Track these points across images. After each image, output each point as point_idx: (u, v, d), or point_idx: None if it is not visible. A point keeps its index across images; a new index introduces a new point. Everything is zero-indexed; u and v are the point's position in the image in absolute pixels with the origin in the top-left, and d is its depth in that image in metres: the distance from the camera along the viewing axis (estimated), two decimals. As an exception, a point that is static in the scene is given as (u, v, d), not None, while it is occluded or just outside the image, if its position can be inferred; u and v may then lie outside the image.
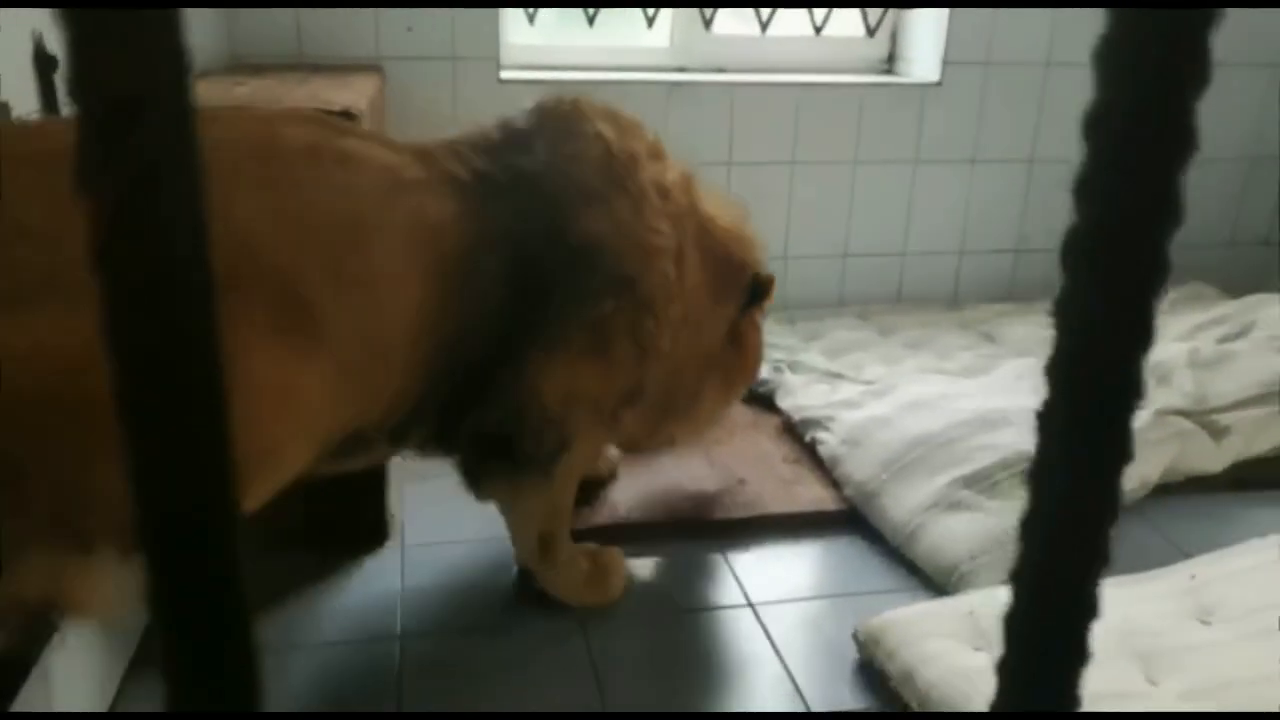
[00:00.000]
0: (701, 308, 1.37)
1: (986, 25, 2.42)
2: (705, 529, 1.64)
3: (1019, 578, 0.38)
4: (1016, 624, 0.39)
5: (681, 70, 2.50)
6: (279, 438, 0.95)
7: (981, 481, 1.60)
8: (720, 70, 2.51)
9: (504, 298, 1.16)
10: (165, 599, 0.34)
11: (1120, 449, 0.36)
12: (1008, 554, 1.50)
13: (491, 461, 1.29)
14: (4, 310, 0.82)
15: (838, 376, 2.04)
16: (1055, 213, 2.54)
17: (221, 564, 0.35)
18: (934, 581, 1.51)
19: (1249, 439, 1.80)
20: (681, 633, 1.41)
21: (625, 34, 2.49)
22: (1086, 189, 0.34)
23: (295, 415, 0.97)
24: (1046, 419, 0.37)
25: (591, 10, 2.41)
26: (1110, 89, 0.33)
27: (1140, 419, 1.67)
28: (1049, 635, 0.38)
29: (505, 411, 1.23)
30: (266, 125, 1.08)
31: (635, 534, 1.61)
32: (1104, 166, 0.34)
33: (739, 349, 1.49)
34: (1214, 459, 1.78)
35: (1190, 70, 0.32)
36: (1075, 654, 0.38)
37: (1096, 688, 1.16)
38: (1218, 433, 1.79)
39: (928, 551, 1.53)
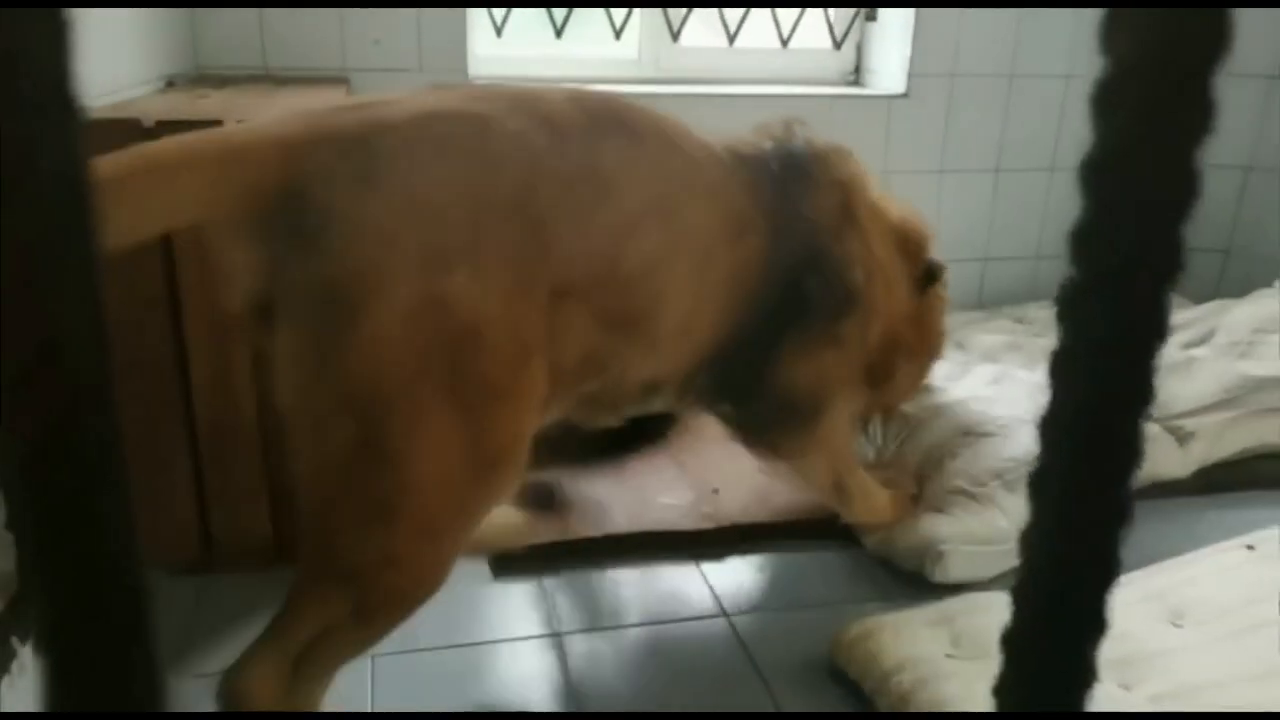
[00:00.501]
0: (903, 295, 1.59)
1: (951, 37, 2.45)
2: (678, 540, 1.63)
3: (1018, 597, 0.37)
4: (1017, 642, 0.37)
5: (649, 81, 2.50)
6: None
7: (970, 488, 1.61)
8: (688, 81, 2.52)
9: (768, 299, 1.35)
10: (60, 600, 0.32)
11: (1119, 511, 0.35)
12: (989, 550, 1.52)
13: (758, 426, 1.50)
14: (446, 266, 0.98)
15: None
16: (1021, 222, 2.58)
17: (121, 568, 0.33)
18: (908, 564, 1.53)
19: (1212, 443, 1.83)
20: (656, 644, 1.40)
21: (592, 45, 2.50)
22: (1085, 239, 0.32)
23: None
24: (1040, 480, 0.35)
25: (559, 21, 2.41)
26: (1109, 135, 0.31)
27: None
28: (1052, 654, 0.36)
29: (765, 386, 1.43)
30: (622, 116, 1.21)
31: (608, 546, 1.60)
32: (1103, 216, 0.32)
33: (922, 329, 1.67)
34: (1180, 464, 1.81)
35: (1193, 116, 0.30)
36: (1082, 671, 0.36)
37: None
38: (1183, 438, 1.82)
39: (906, 539, 1.55)
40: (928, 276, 1.63)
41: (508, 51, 2.44)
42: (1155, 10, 0.29)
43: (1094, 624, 0.36)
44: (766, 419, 1.48)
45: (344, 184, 0.96)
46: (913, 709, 1.19)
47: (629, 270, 1.16)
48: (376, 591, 1.06)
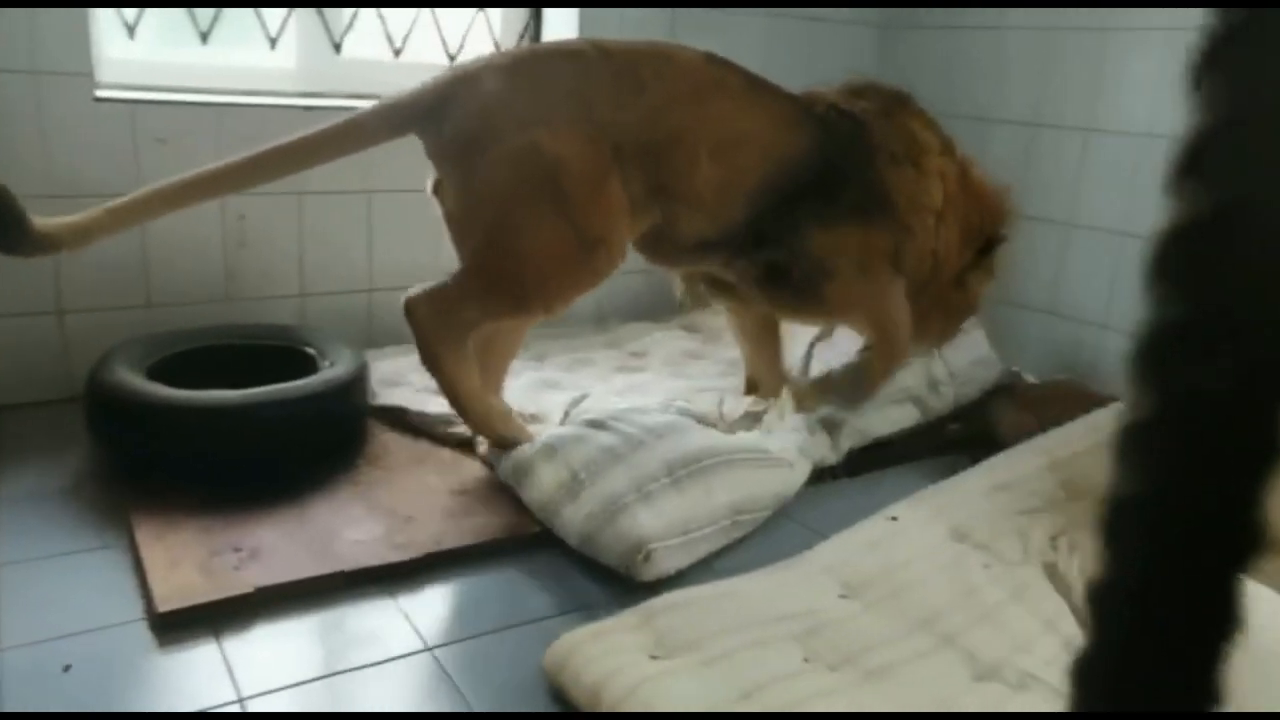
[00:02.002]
0: (951, 250, 2.01)
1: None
2: (370, 576, 1.54)
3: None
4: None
5: (309, 95, 2.37)
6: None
7: (664, 476, 1.68)
8: (352, 96, 2.42)
9: (805, 185, 1.85)
10: None
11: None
12: (691, 540, 1.60)
13: (774, 283, 1.94)
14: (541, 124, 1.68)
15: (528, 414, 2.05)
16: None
17: None
18: (619, 571, 1.56)
19: (860, 432, 2.09)
20: (355, 691, 1.31)
21: (244, 53, 2.32)
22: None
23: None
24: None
25: (204, 26, 2.21)
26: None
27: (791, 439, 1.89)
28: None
29: (787, 251, 1.90)
30: (711, 71, 1.83)
31: (291, 592, 1.48)
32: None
33: (964, 291, 2.09)
34: (832, 452, 2.03)
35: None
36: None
37: (759, 675, 1.23)
38: (833, 428, 2.04)
39: (613, 539, 1.57)
40: (987, 244, 2.04)
41: (144, 56, 2.20)
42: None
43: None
44: (792, 286, 1.93)
45: (467, 89, 1.70)
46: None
47: (661, 139, 1.75)
48: (496, 288, 1.75)
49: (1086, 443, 1.87)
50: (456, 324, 1.75)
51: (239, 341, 2.06)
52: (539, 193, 1.66)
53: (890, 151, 1.91)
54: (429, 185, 1.78)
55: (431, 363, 1.77)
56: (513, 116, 1.66)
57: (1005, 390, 2.31)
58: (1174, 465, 0.30)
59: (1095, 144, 2.50)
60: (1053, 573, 1.59)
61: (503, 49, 1.80)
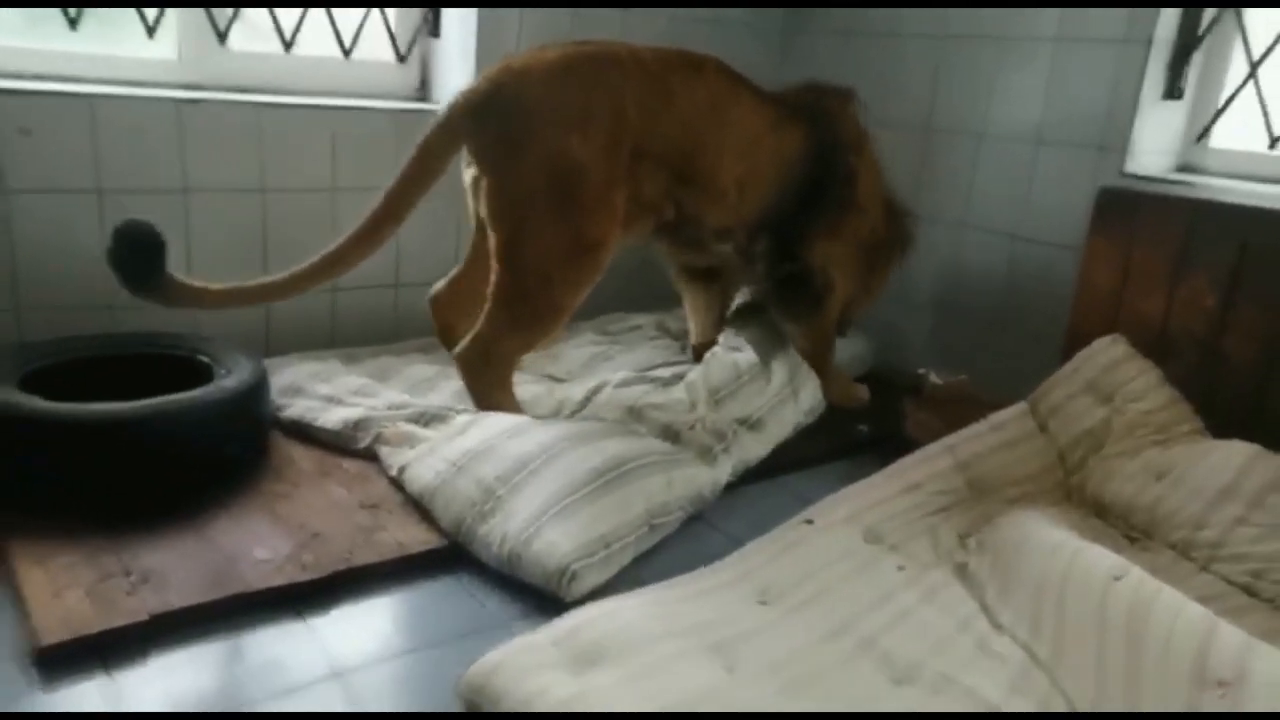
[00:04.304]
0: (880, 227, 2.36)
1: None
2: (276, 597, 1.47)
3: None
4: None
5: (192, 87, 2.24)
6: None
7: (579, 490, 1.65)
8: (240, 89, 2.30)
9: (801, 186, 2.16)
10: None
11: None
12: (612, 553, 1.59)
13: (786, 294, 2.27)
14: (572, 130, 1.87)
15: (435, 417, 1.98)
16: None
17: None
18: (544, 590, 1.52)
19: (777, 427, 2.16)
20: (264, 724, 1.24)
21: (120, 43, 2.17)
22: None
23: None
24: None
25: (73, 11, 2.06)
26: None
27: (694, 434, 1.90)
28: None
29: (798, 265, 2.23)
30: (727, 84, 2.10)
31: (189, 618, 1.39)
32: None
33: (874, 268, 2.41)
34: (762, 446, 2.10)
35: None
36: None
37: (686, 686, 1.21)
38: (755, 425, 2.11)
39: (535, 561, 1.54)
40: (907, 237, 2.41)
41: (5, 42, 2.04)
42: None
43: None
44: (797, 291, 2.24)
45: (510, 92, 1.87)
46: (550, 735, 1.18)
47: (689, 143, 2.00)
48: (517, 313, 1.94)
49: (991, 442, 1.93)
50: (498, 361, 1.95)
51: (126, 350, 1.92)
52: (556, 193, 1.85)
53: (849, 141, 2.21)
54: (467, 178, 1.99)
55: (491, 408, 1.94)
56: (553, 120, 1.84)
57: (912, 391, 2.37)
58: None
59: (986, 148, 2.59)
60: (963, 573, 1.63)
61: (542, 46, 1.97)
